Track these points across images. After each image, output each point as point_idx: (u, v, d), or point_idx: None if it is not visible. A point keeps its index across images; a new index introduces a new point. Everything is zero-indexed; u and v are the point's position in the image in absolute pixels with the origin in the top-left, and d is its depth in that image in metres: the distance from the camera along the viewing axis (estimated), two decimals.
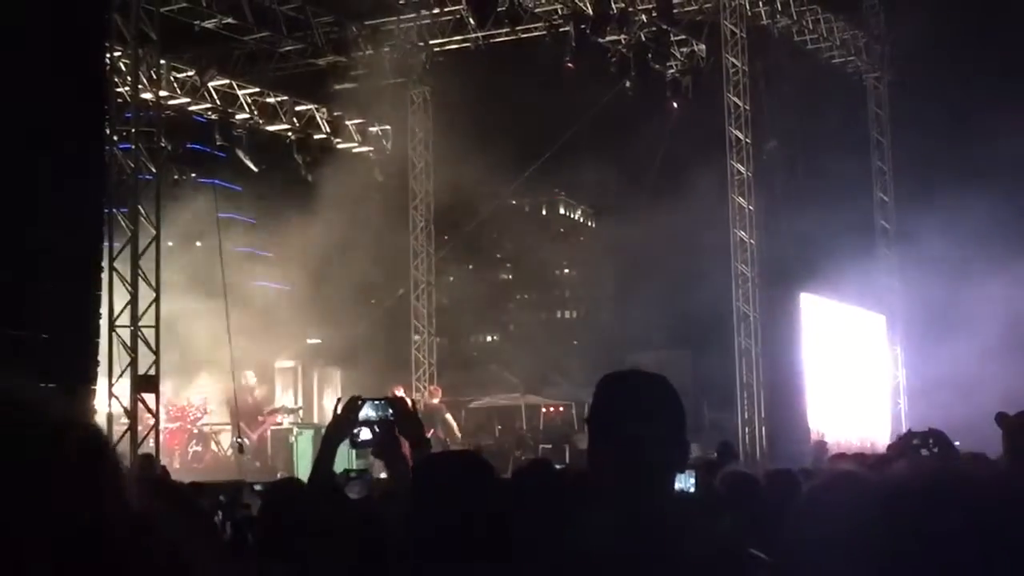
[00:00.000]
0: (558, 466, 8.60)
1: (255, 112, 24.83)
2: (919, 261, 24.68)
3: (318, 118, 25.82)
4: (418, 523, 3.43)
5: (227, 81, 24.15)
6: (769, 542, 3.06)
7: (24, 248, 11.69)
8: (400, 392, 22.33)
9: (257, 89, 24.76)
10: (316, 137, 25.86)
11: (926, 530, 1.29)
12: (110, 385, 15.57)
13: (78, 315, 12.77)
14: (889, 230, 27.49)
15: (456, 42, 25.14)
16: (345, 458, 7.63)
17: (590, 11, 22.83)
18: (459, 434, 22.54)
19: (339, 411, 4.75)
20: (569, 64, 23.32)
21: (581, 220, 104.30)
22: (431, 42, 25.41)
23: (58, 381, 11.68)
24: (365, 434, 4.63)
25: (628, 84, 23.76)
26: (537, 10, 23.77)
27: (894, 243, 27.32)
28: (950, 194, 22.78)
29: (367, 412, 4.66)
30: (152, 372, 15.91)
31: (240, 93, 24.48)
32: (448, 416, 22.37)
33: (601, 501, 3.07)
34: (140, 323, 15.86)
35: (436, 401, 22.72)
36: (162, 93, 18.90)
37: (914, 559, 1.27)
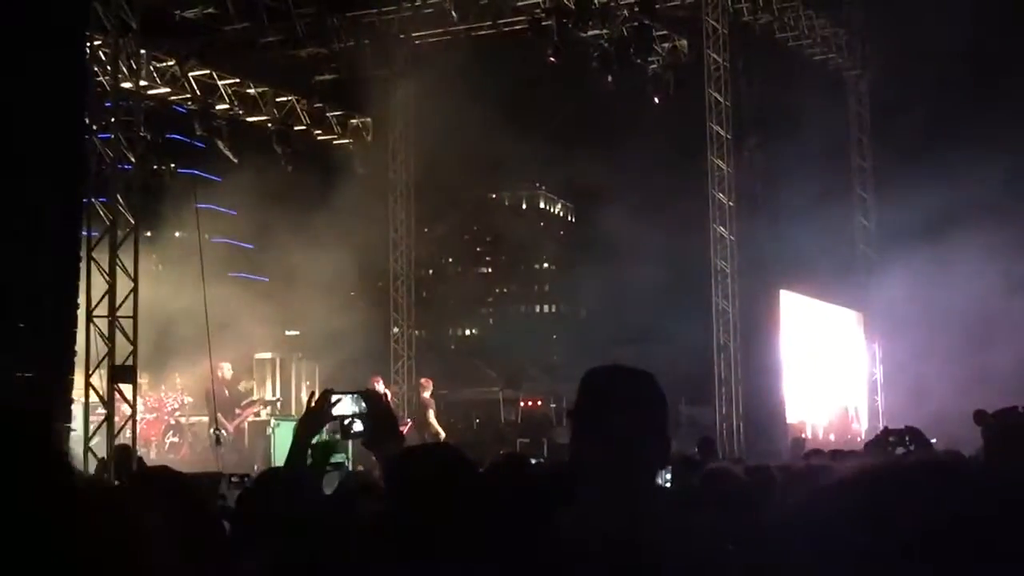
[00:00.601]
0: (534, 461, 8.60)
1: (235, 103, 24.78)
2: (897, 258, 24.75)
3: (298, 109, 25.77)
4: (391, 518, 3.42)
5: (207, 71, 24.08)
6: (746, 537, 3.06)
7: (0, 236, 11.63)
8: (379, 383, 22.33)
9: (237, 80, 24.70)
10: (296, 128, 25.82)
11: (902, 519, 1.29)
12: (87, 375, 15.51)
13: (55, 305, 12.71)
14: (868, 227, 27.55)
15: (438, 35, 25.10)
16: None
17: (572, 5, 22.83)
18: (441, 431, 22.44)
19: (312, 404, 4.74)
20: (551, 58, 23.32)
21: (561, 214, 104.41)
22: (413, 34, 25.36)
23: (35, 370, 11.65)
24: (357, 425, 4.63)
25: (610, 79, 23.77)
26: (519, 3, 23.76)
27: (873, 240, 27.39)
28: (929, 192, 22.84)
29: (340, 406, 4.65)
30: (129, 363, 15.86)
31: (220, 83, 24.42)
32: (431, 412, 22.35)
33: (583, 496, 3.07)
34: (118, 313, 15.80)
35: (428, 395, 22.65)
36: (142, 83, 18.83)
37: (889, 548, 1.27)
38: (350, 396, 4.68)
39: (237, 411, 22.10)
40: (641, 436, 3.03)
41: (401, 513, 3.38)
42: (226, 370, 21.97)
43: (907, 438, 6.28)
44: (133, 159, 16.92)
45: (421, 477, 3.46)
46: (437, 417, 22.76)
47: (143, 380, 19.68)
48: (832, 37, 26.84)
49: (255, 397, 23.25)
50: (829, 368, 26.60)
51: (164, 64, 23.19)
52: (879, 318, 27.09)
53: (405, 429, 19.42)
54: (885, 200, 26.97)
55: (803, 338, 25.49)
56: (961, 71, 23.71)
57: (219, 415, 20.07)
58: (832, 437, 25.42)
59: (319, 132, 26.32)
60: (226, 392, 21.47)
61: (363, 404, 4.63)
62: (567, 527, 3.06)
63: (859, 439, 25.23)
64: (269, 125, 25.45)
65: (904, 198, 24.43)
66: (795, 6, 25.49)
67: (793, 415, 24.49)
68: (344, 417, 4.64)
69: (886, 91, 27.14)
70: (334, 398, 4.66)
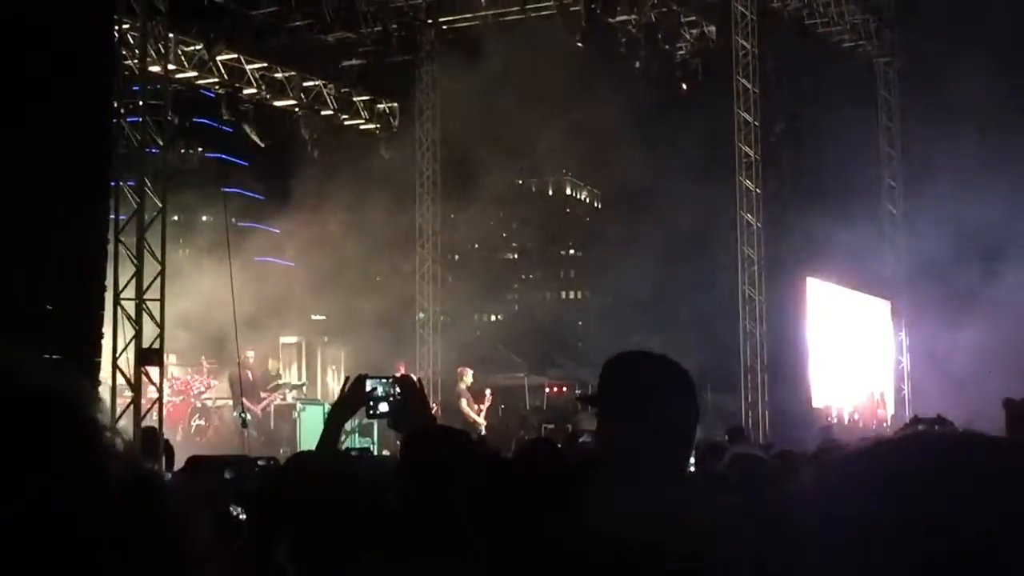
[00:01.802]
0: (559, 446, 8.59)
1: (262, 87, 24.80)
2: (925, 247, 24.65)
3: (325, 94, 25.78)
4: (407, 503, 3.41)
5: (235, 56, 24.10)
6: (770, 522, 3.04)
7: (28, 219, 11.67)
8: (402, 369, 22.29)
9: (265, 64, 24.71)
10: (323, 113, 25.84)
11: (931, 504, 1.26)
12: (114, 358, 15.57)
13: (83, 287, 12.76)
14: (896, 215, 27.44)
15: (465, 20, 25.09)
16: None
17: None
18: (479, 420, 22.04)
19: (346, 389, 4.73)
20: (579, 43, 23.27)
21: (587, 200, 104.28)
22: (440, 19, 25.35)
23: (62, 352, 11.69)
24: (383, 407, 4.62)
25: (637, 64, 23.70)
26: None
27: (901, 228, 27.28)
28: (958, 180, 22.73)
29: (374, 390, 4.64)
30: (156, 345, 15.91)
31: (248, 68, 24.44)
32: (464, 401, 22.15)
33: (609, 481, 3.06)
34: (145, 296, 15.85)
35: (463, 385, 22.14)
36: (170, 67, 18.86)
37: (917, 534, 1.25)
38: (383, 381, 4.68)
39: (263, 394, 22.17)
40: (668, 421, 3.02)
41: (412, 497, 3.37)
42: (250, 354, 22.01)
43: (936, 427, 6.25)
44: (161, 143, 16.95)
45: (424, 459, 3.45)
46: (479, 406, 22.35)
47: (169, 362, 19.74)
48: (861, 24, 26.70)
49: (281, 381, 23.31)
50: (856, 354, 26.52)
51: (192, 48, 23.22)
52: (907, 306, 26.99)
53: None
54: (913, 187, 26.85)
55: (830, 325, 25.42)
56: (992, 57, 23.54)
57: (244, 398, 20.12)
58: (860, 422, 25.39)
59: (346, 117, 26.32)
60: (251, 376, 21.52)
61: (397, 389, 4.63)
62: (594, 512, 3.05)
63: (885, 424, 25.18)
64: (296, 110, 25.47)
65: (932, 186, 24.32)
66: None
67: (819, 400, 24.44)
68: (371, 398, 4.65)
69: (914, 78, 27.00)
70: (368, 383, 4.66)
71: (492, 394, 22.79)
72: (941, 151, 24.42)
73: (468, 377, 22.50)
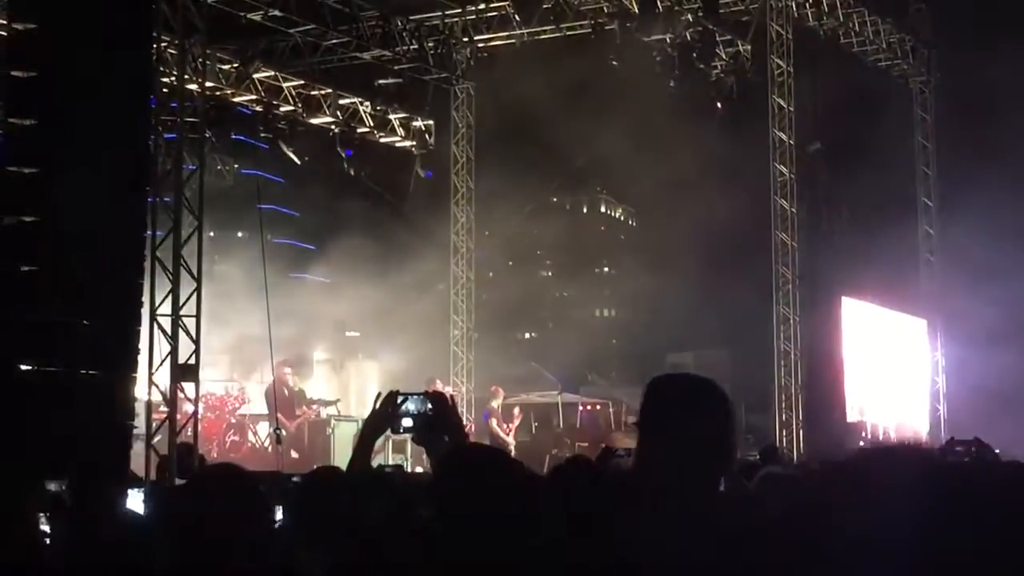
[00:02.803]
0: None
1: (299, 104, 24.93)
2: (962, 267, 24.52)
3: (361, 112, 25.88)
4: (441, 520, 3.42)
5: (272, 73, 24.25)
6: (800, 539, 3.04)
7: (67, 235, 11.76)
8: (439, 385, 22.34)
9: (302, 82, 24.84)
10: (359, 131, 25.94)
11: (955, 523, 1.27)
12: (150, 373, 15.65)
13: (120, 303, 12.83)
14: (932, 235, 27.30)
15: (501, 38, 25.16)
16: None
17: (636, 9, 22.79)
18: (508, 439, 22.23)
19: (377, 405, 4.74)
20: (613, 62, 23.29)
21: (622, 219, 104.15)
22: (476, 38, 25.44)
23: (99, 367, 11.77)
24: (407, 421, 4.64)
25: (672, 84, 23.70)
26: (582, 7, 23.75)
27: (937, 248, 27.14)
28: (995, 200, 22.60)
29: (406, 406, 4.66)
30: (192, 361, 15.98)
31: (284, 85, 24.57)
32: (493, 421, 22.24)
33: (648, 500, 3.07)
34: (181, 312, 15.93)
35: (495, 404, 22.37)
36: (207, 84, 18.97)
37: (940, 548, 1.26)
38: (416, 397, 4.69)
39: (297, 412, 22.23)
40: (705, 440, 3.03)
41: (445, 513, 3.38)
42: (286, 370, 22.09)
43: (973, 448, 6.23)
44: (198, 160, 17.06)
45: (462, 477, 3.45)
46: (508, 425, 22.50)
47: (204, 378, 19.83)
48: (898, 43, 26.63)
49: (315, 397, 23.37)
50: (891, 372, 26.38)
51: (229, 65, 23.37)
52: (943, 326, 26.84)
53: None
54: (950, 207, 26.72)
55: (865, 344, 25.29)
56: None
57: (279, 414, 20.20)
58: (893, 436, 25.25)
59: (382, 135, 26.43)
60: (286, 392, 21.59)
61: (429, 405, 4.64)
62: (630, 531, 3.06)
63: (922, 438, 25.02)
64: (332, 127, 25.59)
65: (969, 206, 24.19)
66: (860, 12, 25.32)
67: (853, 416, 24.35)
68: (402, 414, 4.66)
69: (951, 97, 26.90)
70: (400, 400, 4.67)
71: (521, 412, 22.82)
72: (977, 170, 24.30)
73: (500, 396, 22.58)
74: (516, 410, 22.79)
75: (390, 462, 18.77)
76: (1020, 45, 22.65)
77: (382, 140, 26.56)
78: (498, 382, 23.72)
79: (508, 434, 22.21)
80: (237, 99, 24.13)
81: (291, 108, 24.80)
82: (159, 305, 15.76)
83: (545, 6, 23.41)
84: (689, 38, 23.31)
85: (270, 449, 20.73)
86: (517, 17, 23.95)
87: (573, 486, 4.82)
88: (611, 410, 29.36)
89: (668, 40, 23.26)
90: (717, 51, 23.99)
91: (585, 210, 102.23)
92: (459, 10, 24.69)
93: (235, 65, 23.37)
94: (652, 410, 3.14)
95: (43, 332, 11.68)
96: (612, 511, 3.21)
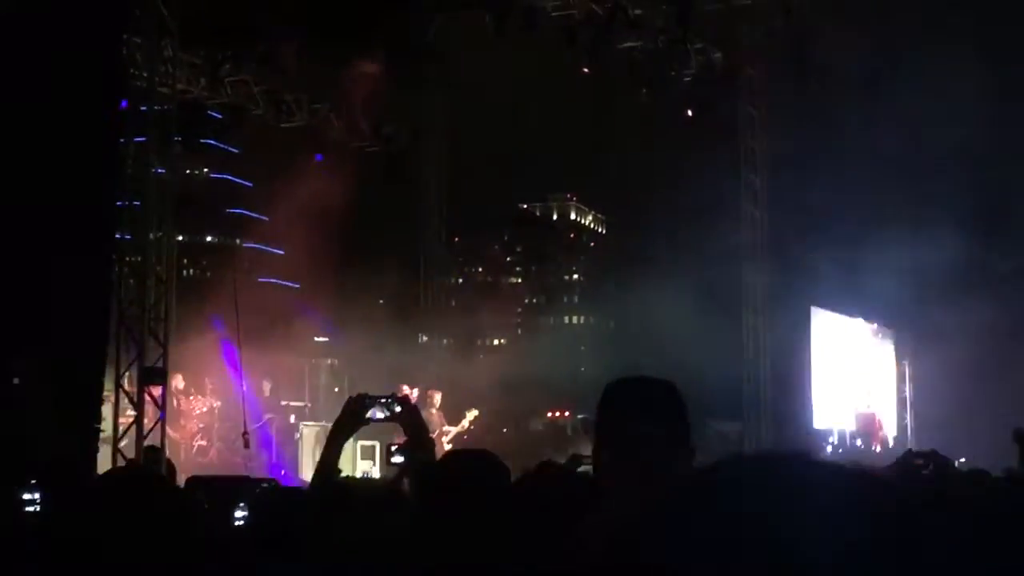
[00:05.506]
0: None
1: (269, 108, 24.84)
2: (928, 277, 24.63)
3: (332, 117, 25.82)
4: (422, 525, 3.42)
5: (242, 76, 24.15)
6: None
7: (36, 236, 11.70)
8: (406, 390, 22.25)
9: (272, 86, 24.74)
10: (330, 135, 25.87)
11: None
12: (117, 377, 15.58)
13: (87, 306, 12.77)
14: (900, 244, 27.38)
15: (473, 44, 25.10)
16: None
17: (607, 16, 22.79)
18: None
19: (345, 409, 4.74)
20: (585, 69, 23.29)
21: (592, 226, 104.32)
22: (447, 44, 25.39)
23: (68, 371, 11.71)
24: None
25: (644, 90, 23.72)
26: (553, 14, 23.73)
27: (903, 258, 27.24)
28: (961, 212, 22.73)
29: (373, 410, 4.66)
30: (160, 364, 15.93)
31: (255, 89, 24.48)
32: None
33: (606, 504, 3.07)
34: (149, 315, 15.87)
35: (434, 410, 22.09)
36: (178, 87, 18.90)
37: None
38: (382, 400, 4.69)
39: (266, 416, 22.14)
40: (656, 440, 3.04)
41: (434, 519, 3.38)
42: (257, 377, 22.01)
43: (930, 463, 6.27)
44: (167, 163, 17.00)
45: (458, 483, 3.45)
46: (448, 428, 22.23)
47: (172, 382, 19.75)
48: None
49: (283, 402, 23.29)
50: (858, 379, 26.51)
51: (199, 68, 23.26)
52: (909, 336, 26.97)
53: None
54: (918, 217, 26.82)
55: (832, 352, 25.41)
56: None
57: (247, 419, 20.13)
58: (859, 443, 25.40)
59: (352, 139, 26.36)
60: (255, 396, 21.51)
61: (396, 408, 4.65)
62: (590, 534, 3.06)
63: (888, 445, 25.21)
64: (303, 131, 25.51)
65: (937, 217, 24.31)
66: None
67: (821, 422, 24.46)
68: (369, 419, 4.66)
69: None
70: (367, 403, 4.67)
71: (478, 416, 22.64)
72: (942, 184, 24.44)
73: (437, 399, 22.38)
74: (468, 412, 22.56)
75: (359, 468, 18.77)
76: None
77: (352, 145, 26.48)
78: (467, 388, 23.64)
79: (445, 436, 22.07)
80: (207, 102, 24.01)
81: (261, 112, 24.70)
82: (127, 309, 15.70)
83: (517, 12, 23.36)
84: (660, 45, 23.32)
85: (238, 454, 20.65)
86: (489, 23, 23.90)
87: (542, 489, 4.82)
88: (579, 416, 29.37)
89: (640, 47, 23.27)
90: (689, 59, 24.01)
91: (555, 217, 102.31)
92: (430, 16, 24.62)
93: (205, 68, 23.26)
94: (606, 414, 3.16)
95: (11, 331, 11.64)
96: (571, 517, 3.21)
